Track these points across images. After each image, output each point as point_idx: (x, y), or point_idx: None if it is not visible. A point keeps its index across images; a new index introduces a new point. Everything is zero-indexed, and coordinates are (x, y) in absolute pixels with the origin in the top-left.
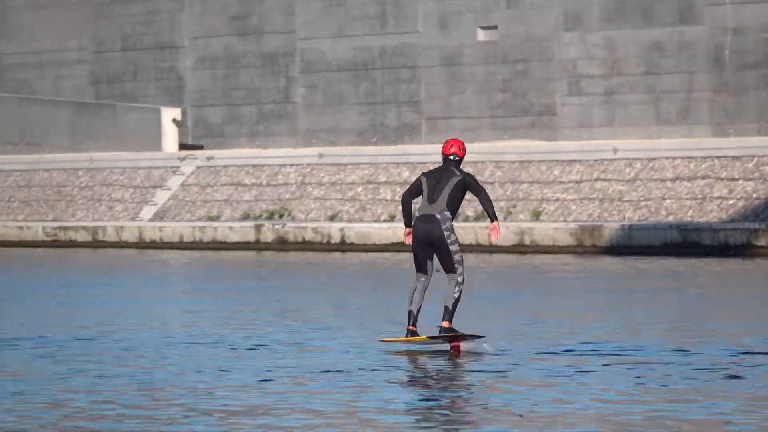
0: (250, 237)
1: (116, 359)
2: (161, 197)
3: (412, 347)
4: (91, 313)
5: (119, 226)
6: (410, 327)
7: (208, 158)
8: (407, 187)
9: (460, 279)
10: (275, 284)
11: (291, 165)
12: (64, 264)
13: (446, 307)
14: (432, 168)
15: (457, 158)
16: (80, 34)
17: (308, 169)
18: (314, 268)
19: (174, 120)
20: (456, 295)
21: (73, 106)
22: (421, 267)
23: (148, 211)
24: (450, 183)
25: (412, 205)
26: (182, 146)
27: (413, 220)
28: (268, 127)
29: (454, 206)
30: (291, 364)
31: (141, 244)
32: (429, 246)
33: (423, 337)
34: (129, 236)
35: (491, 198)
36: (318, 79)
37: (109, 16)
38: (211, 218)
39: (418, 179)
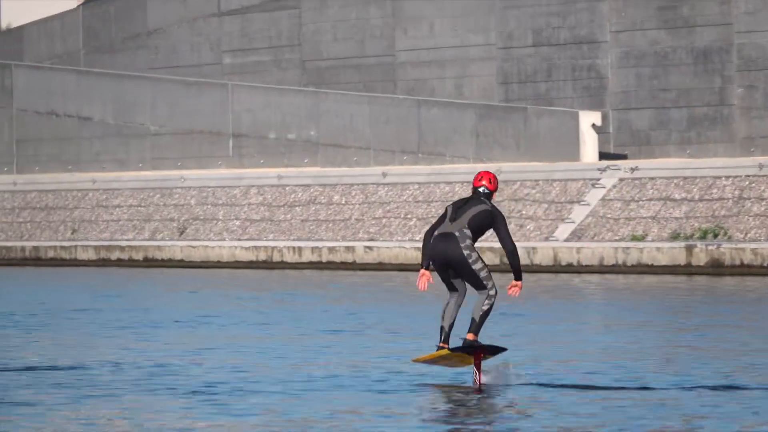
0: (681, 259)
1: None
2: (579, 214)
3: (439, 367)
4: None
5: (531, 247)
6: (441, 344)
7: (632, 169)
8: None
9: (492, 292)
10: (716, 314)
11: (727, 177)
12: None
13: (473, 319)
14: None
15: (486, 191)
16: (485, 28)
17: (746, 182)
18: (752, 295)
19: (594, 125)
20: (485, 307)
21: (477, 110)
22: (450, 287)
23: (563, 230)
24: (476, 208)
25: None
26: (602, 155)
27: (431, 242)
28: (700, 134)
29: (476, 228)
30: None
31: (555, 268)
32: (449, 268)
33: (444, 351)
34: (542, 258)
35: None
36: (758, 77)
37: (518, 6)
38: (635, 238)
39: (445, 210)
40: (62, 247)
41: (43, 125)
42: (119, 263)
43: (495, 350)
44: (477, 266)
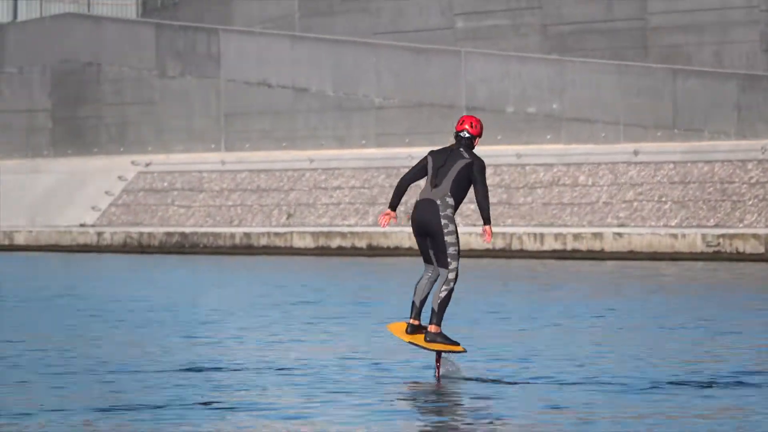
0: None
1: None
2: None
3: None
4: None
5: None
6: (412, 320)
7: None
8: None
9: (451, 276)
10: None
11: None
12: (732, 284)
13: (432, 310)
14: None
15: (467, 135)
16: None
17: None
18: None
19: None
20: (443, 294)
21: (739, 80)
22: (426, 258)
23: None
24: (456, 166)
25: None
26: None
27: (414, 206)
28: None
29: (459, 194)
30: None
31: None
32: (426, 235)
33: (407, 338)
34: None
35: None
36: None
37: None
38: None
39: (425, 158)
40: (276, 234)
41: (253, 97)
42: (340, 252)
43: (450, 350)
44: (450, 239)
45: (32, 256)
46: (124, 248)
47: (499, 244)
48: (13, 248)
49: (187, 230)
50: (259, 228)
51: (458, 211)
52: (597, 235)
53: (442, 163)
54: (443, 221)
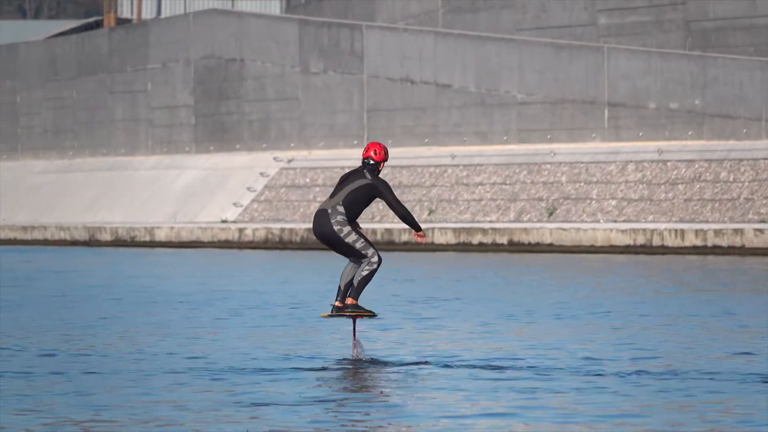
0: None
1: None
2: None
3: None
4: None
5: None
6: (336, 303)
7: None
8: None
9: (374, 259)
10: None
11: None
12: None
13: (352, 284)
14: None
15: (372, 162)
16: None
17: None
18: None
19: None
20: (365, 272)
21: None
22: (346, 256)
23: None
24: (356, 183)
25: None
26: None
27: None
28: None
29: (352, 206)
30: None
31: None
32: (328, 244)
33: (324, 315)
34: None
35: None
36: None
37: None
38: None
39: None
40: None
41: (396, 93)
42: (481, 248)
43: (361, 314)
44: (350, 239)
45: (174, 252)
46: (265, 244)
47: (640, 240)
48: (154, 244)
49: None
50: (400, 224)
51: (601, 206)
52: (738, 231)
53: (345, 179)
54: (335, 227)
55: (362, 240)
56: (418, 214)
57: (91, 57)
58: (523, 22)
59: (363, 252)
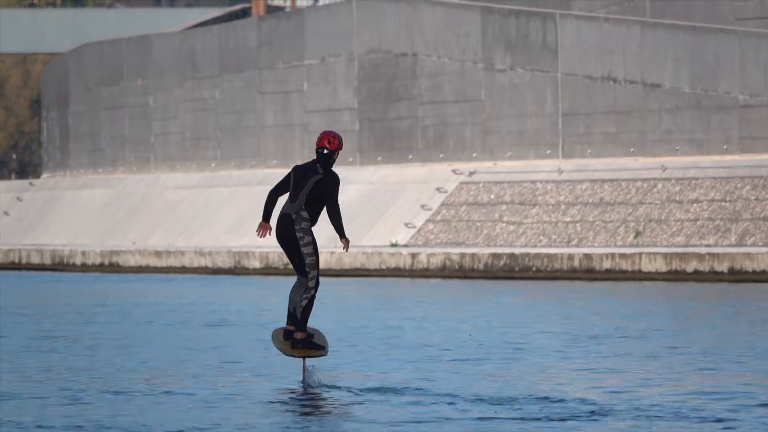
0: None
1: None
2: None
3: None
4: None
5: None
6: (288, 326)
7: None
8: None
9: (311, 284)
10: None
11: None
12: None
13: (296, 318)
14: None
15: (326, 151)
16: None
17: None
18: None
19: None
20: (304, 303)
21: None
22: (296, 268)
23: None
24: (310, 182)
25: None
26: None
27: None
28: None
29: (315, 207)
30: None
31: None
32: (286, 248)
33: (285, 348)
34: None
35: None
36: None
37: None
38: None
39: (289, 173)
40: (621, 255)
41: (596, 94)
42: (696, 276)
43: (313, 355)
44: (306, 250)
45: (337, 281)
46: (443, 272)
47: None
48: None
49: (517, 251)
50: (601, 248)
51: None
52: None
53: (300, 179)
54: (298, 234)
55: (313, 257)
56: (622, 237)
57: (236, 51)
58: (745, 10)
59: (308, 269)
